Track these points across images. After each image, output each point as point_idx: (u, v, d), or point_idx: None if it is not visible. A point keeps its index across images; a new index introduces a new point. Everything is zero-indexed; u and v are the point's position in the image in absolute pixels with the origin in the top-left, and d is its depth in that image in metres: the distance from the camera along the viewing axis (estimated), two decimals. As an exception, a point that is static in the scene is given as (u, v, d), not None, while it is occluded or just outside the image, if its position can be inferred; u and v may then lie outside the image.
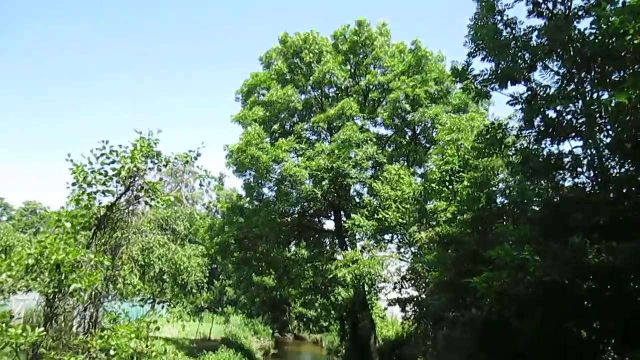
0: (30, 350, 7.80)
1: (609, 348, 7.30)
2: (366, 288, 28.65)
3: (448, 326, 9.25)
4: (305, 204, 28.87)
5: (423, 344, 17.24)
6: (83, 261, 7.94)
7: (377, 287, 28.18)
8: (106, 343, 7.60)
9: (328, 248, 33.32)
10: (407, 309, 24.65)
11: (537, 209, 9.75)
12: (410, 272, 22.73)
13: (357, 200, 28.82)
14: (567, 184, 9.54)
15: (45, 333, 7.61)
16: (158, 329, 9.08)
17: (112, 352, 7.53)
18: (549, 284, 6.16)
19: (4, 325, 7.37)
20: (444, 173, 15.35)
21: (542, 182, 9.61)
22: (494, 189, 12.62)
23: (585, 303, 6.80)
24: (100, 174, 9.33)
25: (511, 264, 6.20)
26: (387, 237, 24.48)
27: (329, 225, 33.56)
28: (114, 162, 9.45)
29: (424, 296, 20.64)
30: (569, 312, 6.99)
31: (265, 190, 29.02)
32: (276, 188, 27.94)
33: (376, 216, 22.43)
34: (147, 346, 8.27)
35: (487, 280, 6.56)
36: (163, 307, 10.14)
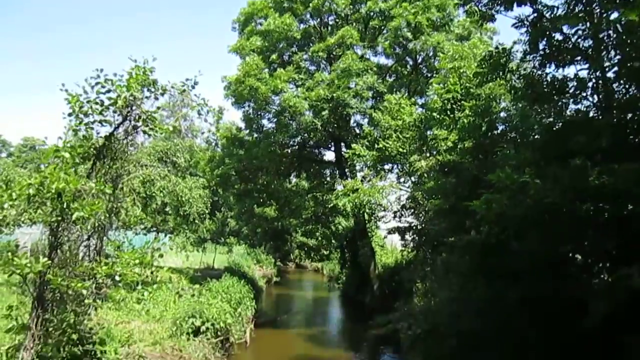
0: (37, 277, 7.96)
1: (603, 271, 7.45)
2: (366, 217, 29.06)
3: (446, 251, 9.42)
4: (305, 134, 28.74)
5: (421, 270, 17.68)
6: (84, 190, 7.96)
7: (377, 216, 28.58)
8: (111, 269, 7.75)
9: (328, 179, 33.55)
10: (406, 237, 25.11)
11: (539, 137, 9.69)
12: (409, 200, 22.94)
13: (357, 130, 28.68)
14: (569, 112, 9.44)
15: (50, 262, 7.77)
16: (161, 255, 9.25)
17: (117, 278, 7.72)
18: (548, 206, 6.21)
19: (9, 254, 7.51)
20: (445, 101, 15.16)
21: (545, 107, 9.49)
22: (495, 117, 12.50)
23: (583, 225, 6.88)
24: (96, 103, 9.19)
25: (511, 186, 6.22)
26: (387, 166, 24.52)
27: (329, 156, 33.62)
28: (109, 90, 9.28)
29: (423, 224, 20.95)
30: (566, 235, 7.08)
31: (265, 122, 28.86)
32: (275, 119, 27.75)
33: (376, 146, 22.38)
34: (151, 272, 8.47)
35: (487, 202, 6.61)
36: (166, 235, 10.28)
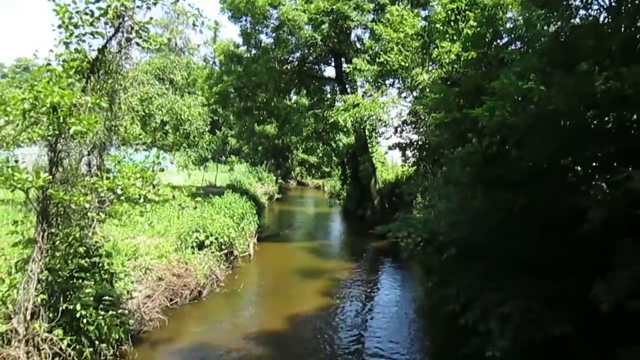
0: (40, 193, 8.01)
1: (602, 181, 7.44)
2: (366, 133, 28.98)
3: (447, 164, 9.41)
4: (305, 50, 28.05)
5: (421, 183, 17.84)
6: (79, 104, 7.82)
7: (378, 132, 28.51)
8: (112, 183, 7.77)
9: (328, 95, 33.10)
10: (407, 152, 25.17)
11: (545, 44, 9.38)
12: (410, 115, 22.77)
13: (358, 45, 27.98)
14: (579, 18, 9.09)
15: (51, 177, 7.78)
16: (162, 170, 9.26)
17: (118, 191, 7.75)
18: (552, 113, 6.11)
19: (10, 170, 7.51)
20: (449, 12, 14.62)
21: (554, 14, 9.10)
22: (500, 26, 12.07)
23: (586, 133, 6.79)
24: (86, 14, 8.81)
25: (515, 93, 6.08)
26: (389, 81, 24.13)
27: (329, 72, 33.01)
28: (98, 0, 8.89)
29: (424, 139, 20.92)
30: (568, 143, 7.02)
31: (263, 37, 27.98)
32: (274, 34, 26.95)
33: (377, 60, 21.89)
34: (153, 186, 8.49)
35: (489, 109, 6.50)
36: (166, 151, 10.23)
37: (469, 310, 7.63)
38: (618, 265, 5.72)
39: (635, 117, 6.48)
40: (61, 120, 7.48)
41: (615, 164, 6.63)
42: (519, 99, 6.27)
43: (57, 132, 7.65)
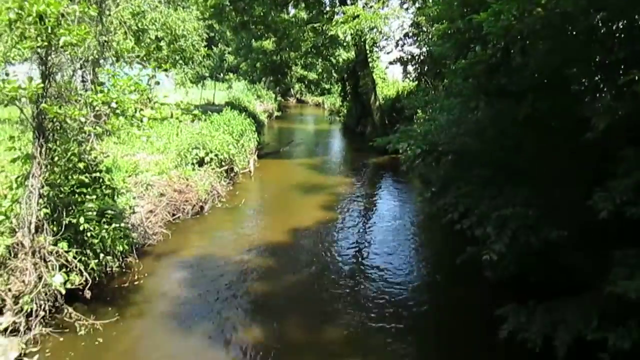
0: (35, 107, 7.88)
1: (607, 91, 7.29)
2: (367, 47, 28.22)
3: (449, 76, 9.16)
4: (303, -42, 26.78)
5: (423, 97, 17.57)
6: (67, 14, 7.50)
7: (379, 45, 27.74)
8: (107, 96, 7.62)
9: (328, 8, 31.91)
10: (409, 67, 24.67)
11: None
12: (413, 27, 22.08)
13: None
14: None
15: (43, 88, 7.61)
16: (158, 83, 9.08)
17: (114, 105, 7.61)
18: (560, 17, 5.85)
19: (1, 83, 7.32)
20: None
21: None
22: None
23: (594, 38, 6.56)
24: None
25: (521, -4, 5.81)
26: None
27: (329, -18, 31.61)
28: None
29: (425, 52, 20.38)
30: (575, 51, 6.80)
31: (258, -56, 26.59)
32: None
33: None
34: (149, 100, 8.34)
35: (495, 14, 6.22)
36: (160, 66, 9.92)
37: (466, 218, 7.73)
38: (619, 174, 5.70)
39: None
40: (49, 31, 7.20)
41: (621, 73, 6.44)
42: (526, 2, 5.99)
43: (46, 44, 7.38)
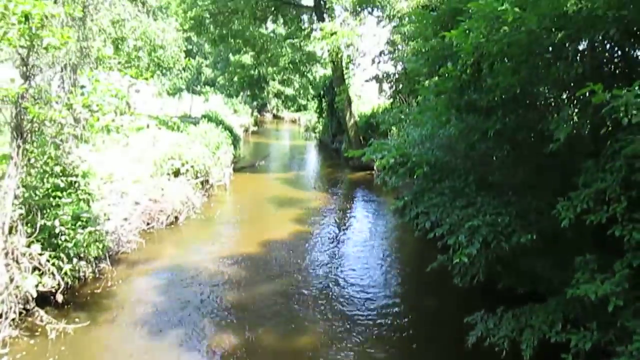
0: (15, 107, 7.89)
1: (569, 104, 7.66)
2: (343, 64, 28.68)
3: (422, 92, 9.48)
4: (281, -25, 27.21)
5: (397, 114, 17.96)
6: (52, 16, 7.59)
7: (355, 63, 28.20)
8: (87, 99, 7.70)
9: (306, 24, 32.42)
10: (384, 86, 25.18)
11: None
12: (388, 44, 22.61)
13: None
14: None
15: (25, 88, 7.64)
16: (137, 91, 9.19)
17: (94, 108, 7.69)
18: (525, 35, 6.20)
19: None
20: None
21: None
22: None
23: (557, 55, 6.95)
24: None
25: (490, 14, 6.13)
26: (367, 10, 23.74)
27: (307, 0, 32.11)
28: None
29: (400, 69, 20.85)
30: (539, 67, 7.18)
31: (239, -40, 26.92)
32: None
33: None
34: (128, 106, 8.44)
35: (464, 32, 6.55)
36: (141, 75, 10.00)
37: (439, 227, 7.99)
38: (580, 184, 6.03)
39: (601, 37, 6.68)
40: (33, 32, 7.27)
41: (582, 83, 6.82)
42: (494, 19, 6.33)
43: (29, 44, 7.45)
